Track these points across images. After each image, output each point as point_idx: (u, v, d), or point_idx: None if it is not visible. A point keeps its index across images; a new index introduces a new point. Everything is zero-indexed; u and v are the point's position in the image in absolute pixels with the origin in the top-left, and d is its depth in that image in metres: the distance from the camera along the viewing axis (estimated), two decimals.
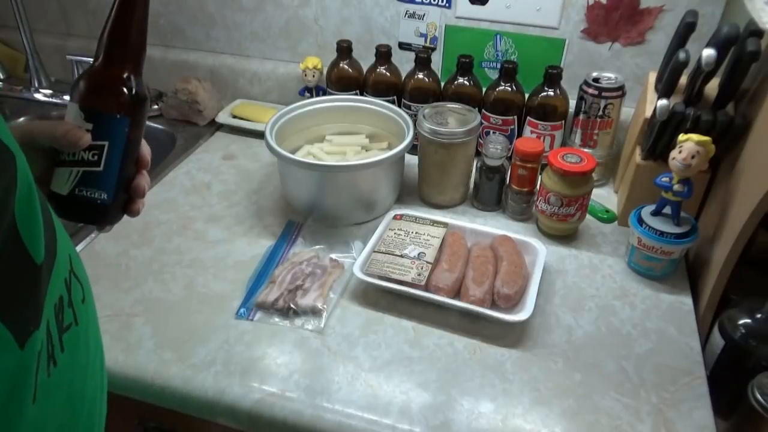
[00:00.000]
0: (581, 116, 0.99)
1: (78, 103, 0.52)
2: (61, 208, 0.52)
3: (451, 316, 0.77)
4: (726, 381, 0.69)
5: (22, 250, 0.32)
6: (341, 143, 1.02)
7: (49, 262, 0.35)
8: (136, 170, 0.55)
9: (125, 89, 0.53)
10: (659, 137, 0.83)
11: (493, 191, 0.96)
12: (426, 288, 0.78)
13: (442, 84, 1.06)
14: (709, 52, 0.74)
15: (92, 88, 0.52)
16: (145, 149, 0.56)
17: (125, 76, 0.53)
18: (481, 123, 1.00)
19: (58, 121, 0.51)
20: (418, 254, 0.82)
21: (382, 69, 1.08)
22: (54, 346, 0.36)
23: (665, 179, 0.79)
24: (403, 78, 1.09)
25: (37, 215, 0.34)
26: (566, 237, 0.91)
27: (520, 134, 1.04)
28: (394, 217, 0.90)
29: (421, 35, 1.13)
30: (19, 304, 0.32)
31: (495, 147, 0.93)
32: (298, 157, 0.92)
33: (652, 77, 0.95)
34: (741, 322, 0.68)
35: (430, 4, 1.09)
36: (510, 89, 1.01)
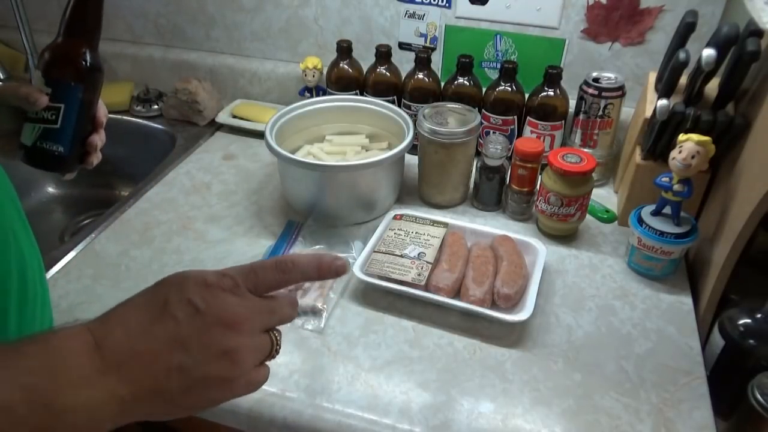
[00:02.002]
0: (581, 116, 0.99)
1: (41, 70, 0.62)
2: (27, 156, 0.63)
3: (451, 316, 0.77)
4: (726, 381, 0.69)
5: None
6: (341, 143, 1.02)
7: None
8: (93, 129, 0.65)
9: (80, 61, 0.62)
10: (659, 137, 0.83)
11: (493, 191, 0.96)
12: (426, 288, 0.78)
13: (442, 84, 1.06)
14: (709, 52, 0.74)
15: (52, 59, 0.62)
16: (102, 111, 0.66)
17: (80, 50, 0.63)
18: (481, 123, 1.00)
19: (23, 83, 0.61)
20: (418, 254, 0.82)
21: (382, 69, 1.08)
22: None
23: (665, 179, 0.79)
24: (403, 78, 1.09)
25: None
26: (566, 237, 0.91)
27: (520, 134, 1.04)
28: (394, 217, 0.90)
29: (421, 35, 1.13)
30: None
31: (495, 147, 0.93)
32: (298, 157, 0.92)
33: (652, 77, 0.95)
34: (741, 322, 0.68)
35: (430, 4, 1.09)
36: (510, 89, 1.01)
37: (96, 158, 0.66)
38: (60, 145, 0.64)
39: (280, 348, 0.42)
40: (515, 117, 1.02)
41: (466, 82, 1.03)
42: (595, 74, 0.98)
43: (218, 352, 0.38)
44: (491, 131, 1.04)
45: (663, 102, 0.79)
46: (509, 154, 0.96)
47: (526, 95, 1.02)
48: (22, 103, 0.60)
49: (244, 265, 0.43)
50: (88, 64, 0.63)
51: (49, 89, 0.61)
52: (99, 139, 0.66)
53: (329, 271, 0.44)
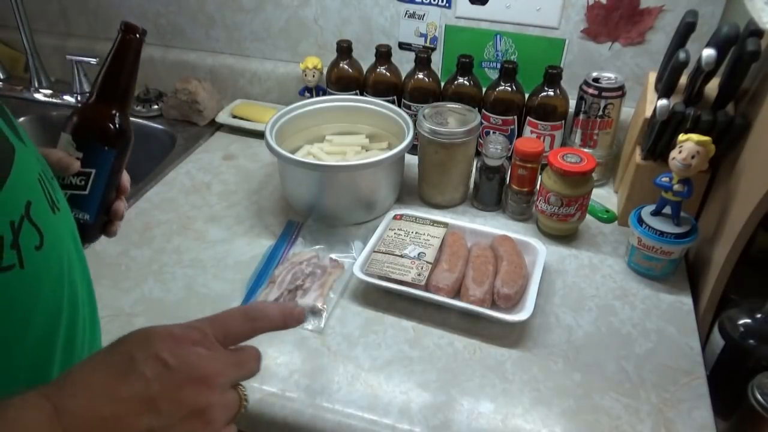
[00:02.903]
0: (581, 116, 0.99)
1: (70, 134, 0.59)
2: (87, 231, 0.61)
3: (451, 316, 0.77)
4: (726, 381, 0.69)
5: None
6: (341, 143, 1.02)
7: None
8: (117, 196, 0.62)
9: (113, 125, 0.60)
10: (659, 137, 0.83)
11: (493, 191, 0.96)
12: (426, 288, 0.78)
13: (442, 84, 1.06)
14: (709, 52, 0.74)
15: (84, 123, 0.60)
16: (125, 177, 0.63)
17: (114, 113, 0.60)
18: (481, 123, 1.00)
19: (53, 149, 0.58)
20: (418, 254, 0.82)
21: (382, 69, 1.08)
22: None
23: (665, 179, 0.79)
24: (403, 78, 1.09)
25: None
26: (566, 237, 0.91)
27: (520, 134, 1.04)
28: (394, 217, 0.90)
29: (421, 35, 1.13)
30: None
31: (495, 147, 0.93)
32: (298, 157, 0.92)
33: (652, 77, 0.95)
34: (741, 322, 0.68)
35: (430, 4, 1.09)
36: (510, 89, 1.01)
37: (118, 227, 0.63)
38: (86, 212, 0.61)
39: (248, 404, 0.41)
40: (515, 117, 1.02)
41: (466, 82, 1.03)
42: (595, 74, 0.98)
43: (190, 411, 0.36)
44: (491, 131, 1.04)
45: (663, 102, 0.79)
46: (509, 154, 0.96)
47: (526, 95, 1.02)
48: (52, 167, 0.56)
49: (210, 316, 0.41)
50: (121, 128, 0.61)
51: (80, 154, 0.59)
52: (123, 206, 0.63)
53: (292, 320, 0.44)
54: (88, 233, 0.61)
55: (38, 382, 0.43)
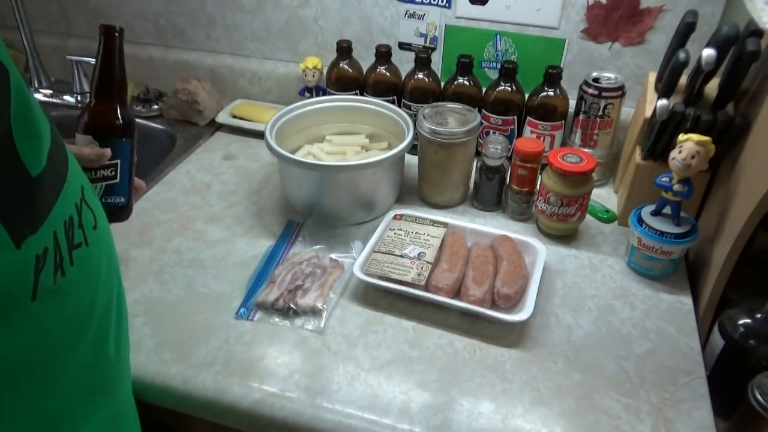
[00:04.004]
0: (581, 116, 0.99)
1: (90, 134, 0.68)
2: (118, 212, 0.71)
3: (451, 316, 0.77)
4: (726, 381, 0.69)
5: (17, 160, 0.38)
6: (341, 143, 1.02)
7: (53, 181, 0.42)
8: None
9: (124, 119, 0.71)
10: (659, 137, 0.83)
11: (493, 191, 0.96)
12: (426, 288, 0.78)
13: (442, 84, 1.06)
14: (709, 52, 0.74)
15: (100, 122, 0.69)
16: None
17: (123, 110, 0.71)
18: (481, 123, 1.00)
19: (92, 149, 0.68)
20: (418, 254, 0.82)
21: (382, 69, 1.08)
22: (63, 258, 0.42)
23: (665, 179, 0.79)
24: (403, 78, 1.09)
25: (34, 131, 0.40)
26: (566, 237, 0.91)
27: (520, 134, 1.04)
28: (394, 217, 0.90)
29: (421, 35, 1.13)
30: (12, 207, 0.37)
31: (495, 147, 0.93)
32: (298, 157, 0.92)
33: (652, 77, 0.95)
34: (741, 322, 0.68)
35: (430, 4, 1.09)
36: (510, 89, 1.01)
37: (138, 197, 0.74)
38: (121, 196, 0.72)
39: None
40: (515, 117, 1.02)
41: (466, 82, 1.03)
42: (595, 74, 0.98)
43: None
44: (491, 131, 1.04)
45: (663, 102, 0.79)
46: (509, 154, 0.96)
47: (526, 95, 1.02)
48: (87, 162, 0.67)
49: None
50: (130, 118, 0.71)
51: (105, 149, 0.69)
52: (141, 182, 0.75)
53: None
54: (124, 213, 0.73)
55: (100, 354, 0.49)
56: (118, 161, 0.71)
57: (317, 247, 0.88)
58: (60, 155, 0.45)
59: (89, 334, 0.47)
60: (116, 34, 0.70)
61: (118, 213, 0.72)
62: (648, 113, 0.87)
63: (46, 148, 0.41)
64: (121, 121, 0.70)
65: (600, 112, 0.97)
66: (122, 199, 0.72)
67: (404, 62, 1.14)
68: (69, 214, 0.43)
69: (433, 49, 1.13)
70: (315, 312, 0.77)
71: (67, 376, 0.45)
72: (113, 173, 0.71)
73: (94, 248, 0.46)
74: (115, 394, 0.54)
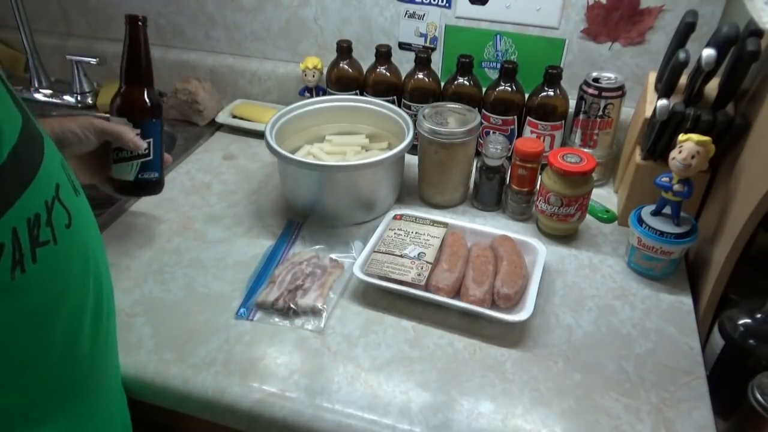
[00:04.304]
0: (581, 116, 0.99)
1: (124, 116, 0.78)
2: (129, 189, 0.82)
3: (451, 316, 0.77)
4: (726, 381, 0.69)
5: None
6: (341, 143, 1.02)
7: (15, 177, 0.42)
8: None
9: (153, 102, 0.80)
10: (659, 137, 0.83)
11: (493, 191, 0.96)
12: (426, 288, 0.78)
13: (442, 84, 1.06)
14: (709, 52, 0.74)
15: (133, 105, 0.79)
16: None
17: (151, 93, 0.80)
18: (481, 123, 1.00)
19: (123, 127, 0.77)
20: (418, 254, 0.82)
21: (382, 69, 1.08)
22: (24, 255, 0.42)
23: (665, 179, 0.79)
24: (403, 78, 1.09)
25: None
26: (566, 237, 0.91)
27: (520, 134, 1.04)
28: (394, 217, 0.90)
29: (421, 35, 1.13)
30: None
31: (495, 147, 0.93)
32: (298, 157, 0.92)
33: (652, 77, 0.95)
34: (741, 322, 0.68)
35: (430, 4, 1.09)
36: (510, 89, 1.01)
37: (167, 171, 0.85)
38: (155, 171, 0.82)
39: None
40: (515, 117, 1.02)
41: (466, 82, 1.03)
42: (595, 74, 0.98)
43: None
44: (491, 131, 1.04)
45: (663, 102, 0.79)
46: (509, 154, 0.96)
47: (526, 95, 1.02)
48: (126, 145, 0.77)
49: None
50: (157, 101, 0.81)
51: (138, 130, 0.78)
52: (168, 156, 0.84)
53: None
54: (158, 187, 0.84)
55: (70, 353, 0.49)
56: (151, 140, 0.80)
57: (317, 247, 0.88)
58: (31, 152, 0.44)
59: (56, 332, 0.47)
60: (140, 23, 0.76)
61: (153, 186, 0.82)
62: (648, 113, 0.87)
63: (9, 144, 0.41)
64: (150, 104, 0.80)
65: (600, 112, 0.97)
66: (156, 174, 0.82)
67: (404, 62, 1.14)
68: (35, 211, 0.43)
69: (433, 49, 1.13)
70: (315, 312, 0.77)
71: (28, 373, 0.45)
72: (147, 152, 0.80)
73: (65, 247, 0.46)
74: (90, 394, 0.54)
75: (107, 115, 0.81)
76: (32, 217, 0.42)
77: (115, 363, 0.62)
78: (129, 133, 0.77)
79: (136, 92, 0.79)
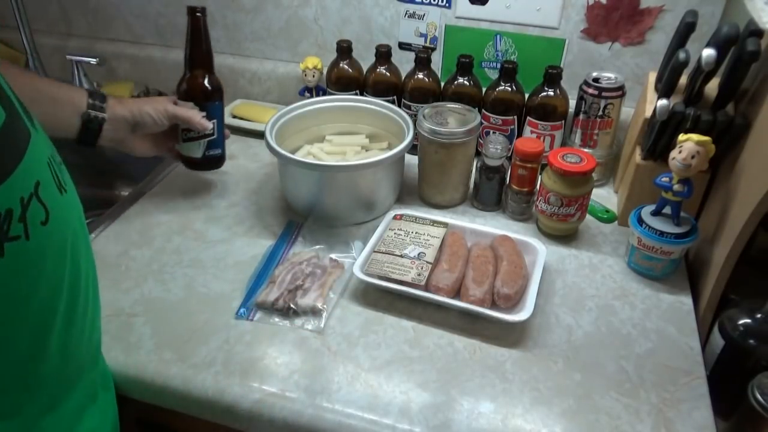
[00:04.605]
0: (581, 116, 0.99)
1: (191, 100, 0.89)
2: (198, 165, 0.95)
3: (451, 316, 0.77)
4: (726, 381, 0.69)
5: None
6: (341, 143, 1.02)
7: None
8: None
9: (214, 86, 0.91)
10: (659, 137, 0.83)
11: (493, 191, 0.96)
12: (426, 288, 0.78)
13: (442, 84, 1.06)
14: (709, 52, 0.74)
15: (198, 89, 0.90)
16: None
17: (213, 77, 0.91)
18: (481, 123, 1.00)
19: (192, 111, 0.88)
20: (418, 254, 0.82)
21: (382, 69, 1.08)
22: None
23: (665, 179, 0.79)
24: (403, 78, 1.09)
25: None
26: (566, 237, 0.91)
27: (520, 134, 1.04)
28: (394, 217, 0.90)
29: (421, 35, 1.13)
30: None
31: (495, 147, 0.93)
32: (298, 157, 0.92)
33: (652, 77, 0.95)
34: (741, 322, 0.68)
35: (430, 4, 1.09)
36: (510, 89, 1.01)
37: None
38: (219, 148, 0.94)
39: None
40: (515, 117, 1.02)
41: (466, 82, 1.03)
42: (595, 74, 0.98)
43: None
44: (491, 131, 1.04)
45: (663, 102, 0.79)
46: (509, 154, 0.96)
47: (526, 95, 1.02)
48: (194, 126, 0.89)
49: None
50: (218, 85, 0.91)
51: (204, 112, 0.89)
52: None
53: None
54: (221, 162, 0.96)
55: (37, 348, 0.49)
56: (215, 120, 0.90)
57: (317, 247, 0.88)
58: (10, 150, 0.44)
59: (24, 327, 0.47)
60: (198, 14, 0.86)
61: (218, 161, 0.95)
62: (648, 113, 0.87)
63: None
64: (212, 88, 0.90)
65: (600, 112, 0.97)
66: (219, 150, 0.94)
67: (404, 62, 1.14)
68: (7, 206, 0.43)
69: (433, 49, 1.13)
70: (315, 312, 0.77)
71: None
72: (212, 131, 0.90)
73: (37, 244, 0.46)
74: (61, 390, 0.55)
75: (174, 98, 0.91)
76: (3, 212, 0.42)
77: (95, 360, 0.62)
78: (196, 116, 0.87)
79: (199, 78, 0.89)
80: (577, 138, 1.01)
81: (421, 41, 1.14)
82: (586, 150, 0.98)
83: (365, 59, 1.11)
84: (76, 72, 1.24)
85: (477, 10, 1.07)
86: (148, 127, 0.87)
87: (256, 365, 0.70)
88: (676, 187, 0.77)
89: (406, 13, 1.11)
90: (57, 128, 0.81)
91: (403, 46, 1.15)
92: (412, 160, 1.00)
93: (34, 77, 0.84)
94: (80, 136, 0.84)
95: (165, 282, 0.82)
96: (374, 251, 0.83)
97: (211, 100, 0.89)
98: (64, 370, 0.54)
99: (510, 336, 0.74)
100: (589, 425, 0.64)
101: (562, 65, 1.07)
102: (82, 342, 0.56)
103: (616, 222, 0.95)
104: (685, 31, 0.86)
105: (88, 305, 0.56)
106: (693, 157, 0.74)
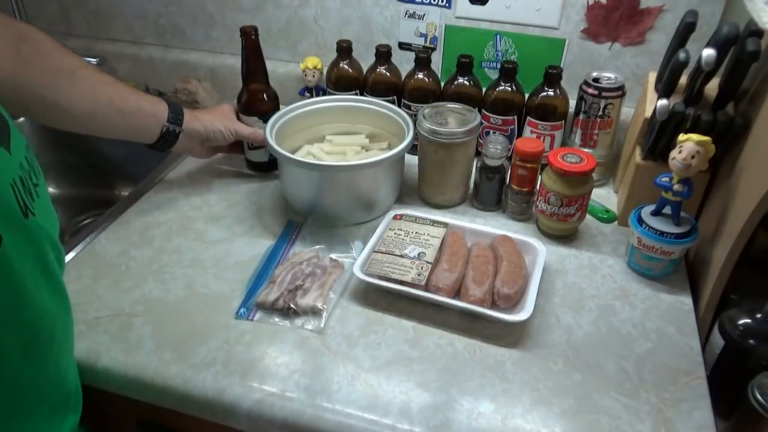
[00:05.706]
0: (581, 116, 0.99)
1: (252, 114, 1.00)
2: (264, 168, 1.05)
3: (451, 316, 0.77)
4: (726, 381, 0.69)
5: None
6: (341, 143, 1.02)
7: None
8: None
9: (273, 97, 1.02)
10: (659, 137, 0.83)
11: (493, 191, 0.96)
12: (426, 288, 0.78)
13: (442, 84, 1.06)
14: (709, 52, 0.74)
15: (258, 103, 1.00)
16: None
17: (271, 90, 1.02)
18: (481, 123, 1.00)
19: (256, 130, 0.99)
20: (418, 254, 0.82)
21: (382, 69, 1.08)
22: None
23: (665, 179, 0.79)
24: (403, 78, 1.09)
25: None
26: (566, 237, 0.91)
27: (520, 134, 1.04)
28: (394, 217, 0.90)
29: (421, 35, 1.13)
30: None
31: (495, 147, 0.93)
32: (298, 157, 0.92)
33: (652, 77, 0.95)
34: (741, 322, 0.68)
35: (430, 4, 1.09)
36: (510, 89, 1.01)
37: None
38: (264, 155, 1.04)
39: None
40: (515, 117, 1.02)
41: (466, 82, 1.03)
42: (595, 74, 0.98)
43: None
44: (491, 131, 1.04)
45: (663, 102, 0.79)
46: (509, 154, 0.96)
47: (526, 95, 1.02)
48: (257, 142, 1.00)
49: None
50: (275, 96, 1.03)
51: (263, 123, 0.96)
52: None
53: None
54: (268, 167, 1.05)
55: None
56: None
57: (317, 247, 0.88)
58: None
59: None
60: (252, 35, 0.95)
61: (265, 167, 1.05)
62: (648, 113, 0.87)
63: None
64: (268, 99, 1.01)
65: (600, 112, 0.97)
66: (265, 158, 1.04)
67: (404, 62, 1.14)
68: None
69: (433, 49, 1.13)
70: (315, 312, 0.77)
71: None
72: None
73: None
74: (21, 414, 0.54)
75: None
76: None
77: (59, 384, 0.60)
78: (260, 135, 0.95)
79: (258, 92, 1.00)
80: (577, 138, 1.01)
81: (421, 41, 1.14)
82: (586, 150, 0.98)
83: (365, 59, 1.11)
84: None
85: (477, 10, 1.07)
86: (217, 142, 0.97)
87: (256, 365, 0.70)
88: (676, 187, 0.77)
89: (406, 13, 1.11)
90: (138, 136, 0.90)
91: (403, 46, 1.15)
92: (412, 160, 1.00)
93: (121, 87, 0.86)
94: (155, 144, 0.92)
95: (165, 282, 0.82)
96: (374, 251, 0.83)
97: (269, 110, 0.98)
98: (22, 396, 0.53)
99: (510, 336, 0.74)
100: (589, 425, 0.64)
101: (562, 65, 1.07)
102: (48, 369, 0.56)
103: (616, 222, 0.95)
104: (685, 31, 0.86)
105: (62, 334, 0.55)
106: (693, 157, 0.74)
